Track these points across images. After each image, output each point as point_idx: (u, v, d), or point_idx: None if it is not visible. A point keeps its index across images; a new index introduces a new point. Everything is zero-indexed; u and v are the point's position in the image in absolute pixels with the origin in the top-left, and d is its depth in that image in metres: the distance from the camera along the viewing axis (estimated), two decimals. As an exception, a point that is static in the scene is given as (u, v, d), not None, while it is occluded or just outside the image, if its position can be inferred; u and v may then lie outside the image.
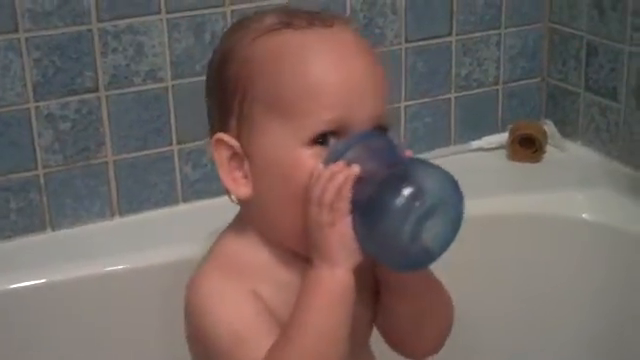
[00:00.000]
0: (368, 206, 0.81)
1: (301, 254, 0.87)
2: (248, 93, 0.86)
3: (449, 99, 1.50)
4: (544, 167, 1.46)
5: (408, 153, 0.86)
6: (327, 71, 0.85)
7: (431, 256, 0.83)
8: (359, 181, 0.82)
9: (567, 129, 1.52)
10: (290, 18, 0.87)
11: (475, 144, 1.51)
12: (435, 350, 0.98)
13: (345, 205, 0.81)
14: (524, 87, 1.55)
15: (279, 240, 0.89)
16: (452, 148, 1.51)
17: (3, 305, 1.18)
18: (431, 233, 0.81)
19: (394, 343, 0.97)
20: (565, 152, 1.50)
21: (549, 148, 1.49)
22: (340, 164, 0.82)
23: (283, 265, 0.89)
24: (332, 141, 0.84)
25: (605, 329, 1.32)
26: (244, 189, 0.87)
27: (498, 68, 1.52)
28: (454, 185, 0.82)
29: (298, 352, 0.82)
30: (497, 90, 1.53)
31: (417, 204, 0.79)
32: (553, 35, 1.52)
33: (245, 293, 0.86)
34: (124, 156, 1.30)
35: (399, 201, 0.79)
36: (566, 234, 1.33)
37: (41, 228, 1.28)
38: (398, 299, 0.91)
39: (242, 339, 0.84)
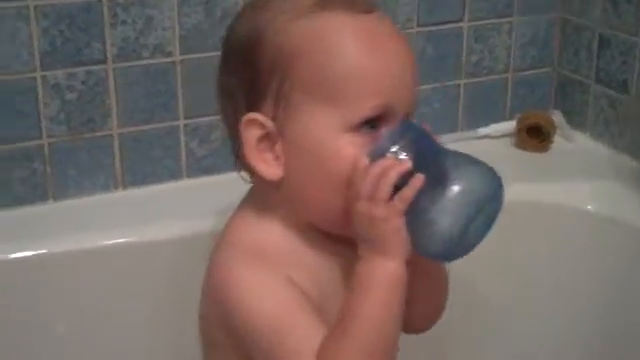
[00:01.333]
0: (420, 203, 0.81)
1: (330, 235, 0.88)
2: (289, 74, 0.85)
3: (458, 85, 1.50)
4: (551, 157, 1.46)
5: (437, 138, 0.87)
6: (374, 57, 0.84)
7: (471, 248, 0.84)
8: (408, 175, 0.82)
9: (576, 120, 1.51)
10: (329, 1, 0.86)
11: (482, 131, 1.51)
12: (431, 325, 1.01)
13: (402, 204, 0.81)
14: (534, 76, 1.55)
15: (311, 222, 0.89)
16: (459, 134, 1.50)
17: (4, 274, 1.18)
18: (476, 228, 0.82)
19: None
20: (573, 143, 1.49)
21: (557, 138, 1.48)
22: (391, 159, 0.82)
23: (310, 247, 0.89)
24: (374, 129, 0.84)
25: (606, 320, 1.32)
26: (275, 170, 0.87)
27: (509, 56, 1.51)
28: (499, 181, 0.83)
29: (356, 344, 0.82)
30: (507, 78, 1.53)
31: (469, 203, 0.81)
32: (565, 25, 1.52)
33: (284, 282, 0.86)
34: (130, 129, 1.29)
35: (452, 201, 0.81)
36: (570, 225, 1.33)
37: (44, 198, 1.28)
38: (418, 279, 0.91)
39: (290, 331, 0.84)
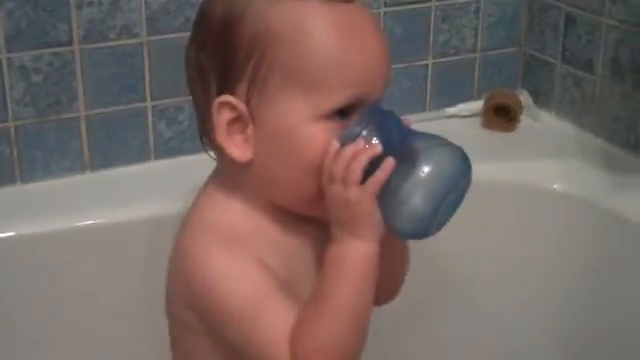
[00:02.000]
0: (392, 185, 0.83)
1: (299, 216, 0.89)
2: (266, 58, 0.84)
3: (426, 65, 1.50)
4: (518, 136, 1.47)
5: (407, 121, 0.88)
6: (351, 48, 0.85)
7: (441, 226, 0.86)
8: (379, 158, 0.83)
9: (542, 99, 1.52)
10: None
11: (450, 111, 1.51)
12: (394, 296, 1.03)
13: (374, 186, 0.82)
14: (501, 56, 1.55)
15: (281, 204, 0.89)
16: (427, 114, 1.51)
17: (-29, 257, 1.17)
18: (446, 207, 0.84)
19: None
20: (539, 122, 1.50)
21: (523, 118, 1.49)
22: (361, 143, 0.83)
23: (279, 227, 0.90)
24: (345, 117, 0.85)
25: (574, 298, 1.33)
26: (245, 152, 0.87)
27: (476, 36, 1.52)
28: (467, 161, 0.85)
29: (330, 324, 0.83)
30: (474, 58, 1.53)
31: (440, 184, 0.83)
32: (532, 4, 1.52)
33: (254, 264, 0.86)
34: (97, 111, 1.29)
35: (423, 182, 0.82)
36: (537, 204, 1.34)
37: (11, 181, 1.27)
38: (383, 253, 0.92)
39: (262, 314, 0.84)
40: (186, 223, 0.92)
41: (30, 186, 1.28)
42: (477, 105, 1.51)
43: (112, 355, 1.24)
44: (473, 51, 1.53)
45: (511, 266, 1.36)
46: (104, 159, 1.31)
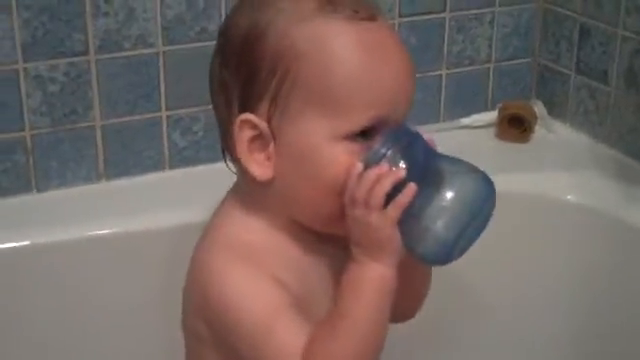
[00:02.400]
0: (415, 209, 0.82)
1: (318, 234, 0.89)
2: (289, 76, 0.84)
3: (440, 76, 1.50)
4: (532, 147, 1.46)
5: (431, 142, 0.87)
6: (375, 68, 0.84)
7: (464, 252, 0.86)
8: (403, 183, 0.82)
9: (556, 110, 1.52)
10: (333, 5, 0.85)
11: (464, 122, 1.51)
12: (413, 315, 1.02)
13: (396, 212, 0.82)
14: (515, 66, 1.55)
15: (301, 221, 0.89)
16: (441, 125, 1.51)
17: (-14, 266, 1.18)
18: (469, 232, 0.84)
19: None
20: (553, 133, 1.50)
21: (538, 129, 1.49)
22: (385, 166, 0.82)
23: (298, 246, 0.90)
24: (368, 138, 0.84)
25: (587, 309, 1.33)
26: (266, 171, 0.86)
27: (490, 46, 1.52)
28: (492, 186, 0.84)
29: (344, 345, 0.83)
30: (488, 68, 1.53)
31: (463, 211, 0.82)
32: (547, 15, 1.52)
33: (269, 281, 0.86)
34: (112, 121, 1.29)
35: (447, 208, 0.82)
36: (551, 215, 1.33)
37: (27, 190, 1.28)
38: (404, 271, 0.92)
39: (275, 331, 0.84)
40: (205, 238, 0.92)
41: (46, 195, 1.28)
42: (491, 116, 1.50)
43: (126, 364, 1.24)
44: (487, 62, 1.53)
45: (525, 277, 1.36)
46: (119, 168, 1.32)
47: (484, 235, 1.31)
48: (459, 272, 1.31)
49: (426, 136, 0.87)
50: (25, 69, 1.22)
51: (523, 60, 1.55)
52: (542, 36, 1.54)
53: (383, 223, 0.82)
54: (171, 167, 1.35)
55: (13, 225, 1.21)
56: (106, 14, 1.25)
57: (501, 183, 1.33)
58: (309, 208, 0.87)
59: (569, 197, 1.33)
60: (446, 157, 0.86)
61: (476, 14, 1.49)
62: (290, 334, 0.84)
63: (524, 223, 1.34)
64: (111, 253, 1.22)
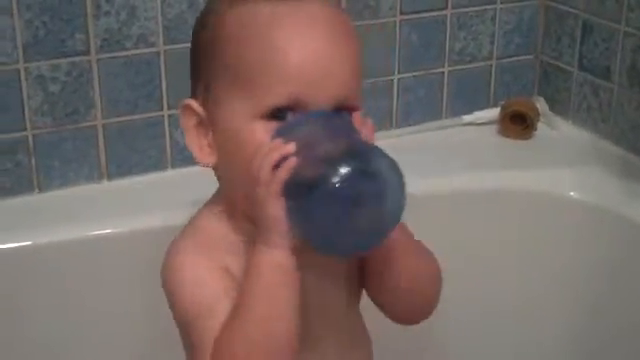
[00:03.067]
0: (300, 188, 0.79)
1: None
2: (215, 62, 0.86)
3: (442, 73, 1.50)
4: (534, 144, 1.46)
5: (369, 136, 0.84)
6: (289, 45, 0.83)
7: (364, 242, 0.81)
8: (301, 161, 0.79)
9: (559, 107, 1.52)
10: None
11: (466, 119, 1.51)
12: (425, 316, 0.98)
13: (276, 185, 0.80)
14: (517, 63, 1.55)
15: (239, 210, 0.88)
16: (443, 122, 1.51)
17: (-12, 265, 1.18)
18: (365, 219, 0.79)
19: (389, 314, 0.97)
20: (556, 130, 1.49)
21: (540, 125, 1.49)
22: (278, 141, 0.81)
23: (245, 233, 0.88)
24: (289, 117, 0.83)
25: (590, 306, 1.32)
26: (208, 157, 0.88)
27: (492, 43, 1.52)
28: (394, 170, 0.79)
29: (243, 332, 0.81)
30: (490, 65, 1.53)
31: (345, 197, 0.77)
32: (549, 12, 1.52)
33: (215, 269, 0.86)
34: (114, 120, 1.29)
35: (327, 193, 0.77)
36: (554, 212, 1.33)
37: (29, 190, 1.28)
38: (387, 275, 0.91)
39: (204, 316, 0.84)
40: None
41: (48, 195, 1.28)
42: (493, 113, 1.50)
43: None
44: (489, 59, 1.52)
45: (527, 274, 1.35)
46: (121, 168, 1.32)
47: (487, 232, 1.33)
48: (461, 269, 1.31)
49: (367, 126, 0.84)
50: (26, 69, 1.22)
51: (525, 57, 1.55)
52: (544, 33, 1.53)
53: (266, 196, 0.80)
54: (173, 166, 1.35)
55: (16, 225, 1.21)
56: (107, 13, 1.25)
57: (504, 180, 1.35)
58: (239, 193, 0.86)
59: (572, 194, 1.33)
60: (358, 144, 0.81)
61: (478, 11, 1.49)
62: (216, 323, 0.83)
63: (527, 220, 1.34)
64: (113, 253, 1.22)
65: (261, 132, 0.83)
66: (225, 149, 0.86)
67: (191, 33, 0.92)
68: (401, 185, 0.80)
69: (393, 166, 0.79)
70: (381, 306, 0.96)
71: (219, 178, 0.91)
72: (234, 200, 0.88)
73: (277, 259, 0.82)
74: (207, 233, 0.90)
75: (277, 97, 0.83)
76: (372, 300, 0.97)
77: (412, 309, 0.96)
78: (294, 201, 0.80)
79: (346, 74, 0.85)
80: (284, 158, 0.80)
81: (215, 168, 0.89)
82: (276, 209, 0.80)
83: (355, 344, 0.98)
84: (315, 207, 0.78)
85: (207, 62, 0.87)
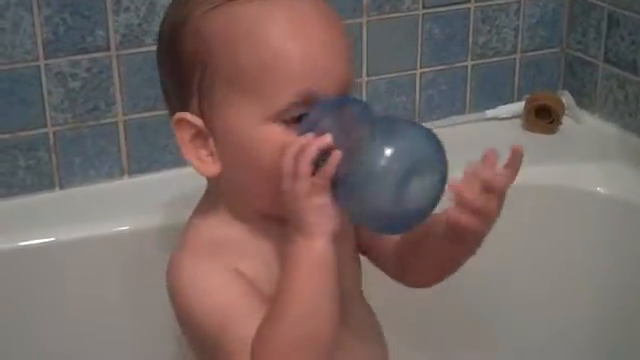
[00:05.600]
0: (345, 174, 0.79)
1: (278, 221, 0.86)
2: (207, 69, 0.83)
3: (465, 67, 1.48)
4: (560, 138, 1.45)
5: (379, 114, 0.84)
6: (287, 41, 0.82)
7: (413, 218, 0.81)
8: (333, 149, 0.79)
9: (584, 101, 1.50)
10: None
11: (490, 113, 1.50)
12: (432, 283, 0.98)
13: (323, 180, 0.79)
14: (542, 57, 1.53)
15: (255, 210, 0.88)
16: (467, 117, 1.50)
17: (11, 263, 1.18)
18: (414, 194, 0.79)
19: (396, 275, 0.98)
20: (582, 124, 1.48)
21: (565, 119, 1.47)
22: (310, 135, 0.80)
23: (258, 235, 0.89)
24: (302, 114, 0.82)
25: (616, 301, 1.31)
26: (212, 167, 0.86)
27: (516, 37, 1.50)
28: (432, 141, 0.80)
29: (287, 329, 0.81)
30: (515, 59, 1.51)
31: (396, 170, 0.78)
32: (574, 4, 1.50)
33: (227, 274, 0.85)
34: (134, 116, 1.29)
35: (375, 166, 0.78)
36: (580, 207, 1.32)
37: (50, 187, 1.27)
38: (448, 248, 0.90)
39: (229, 322, 0.83)
40: (178, 243, 0.92)
41: (69, 192, 1.28)
42: (518, 107, 1.49)
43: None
44: (514, 52, 1.51)
45: (553, 269, 1.34)
46: (142, 164, 1.31)
47: (512, 227, 1.31)
48: (485, 265, 1.30)
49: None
50: (47, 66, 1.22)
51: (550, 50, 1.53)
52: (569, 26, 1.52)
53: (310, 192, 0.80)
54: (194, 163, 1.34)
55: (37, 222, 1.21)
56: (127, 9, 1.24)
57: (529, 175, 1.33)
58: (260, 193, 0.86)
59: (598, 189, 1.31)
60: (384, 118, 0.83)
61: (501, 4, 1.47)
62: (244, 325, 0.82)
63: (552, 215, 1.33)
64: (137, 249, 1.21)
65: (277, 133, 0.82)
66: (233, 155, 0.85)
67: (158, 43, 0.89)
68: (440, 151, 0.80)
69: (429, 134, 0.80)
70: (390, 271, 0.97)
71: (220, 184, 0.89)
72: (245, 200, 0.88)
73: (320, 249, 0.81)
74: (211, 242, 0.89)
75: (289, 95, 0.82)
76: (379, 267, 0.98)
77: (432, 278, 0.96)
78: (343, 188, 0.80)
79: (347, 61, 0.85)
80: (324, 152, 0.79)
81: (219, 176, 0.87)
82: (323, 199, 0.80)
83: (370, 325, 0.98)
84: (370, 191, 0.78)
85: (197, 72, 0.84)
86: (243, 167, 0.85)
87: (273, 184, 0.82)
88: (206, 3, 0.84)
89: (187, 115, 0.85)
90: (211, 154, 0.86)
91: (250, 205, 0.88)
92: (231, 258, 0.87)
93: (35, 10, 1.19)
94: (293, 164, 0.80)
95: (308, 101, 0.82)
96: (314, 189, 0.80)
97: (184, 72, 0.85)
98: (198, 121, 0.85)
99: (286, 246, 0.83)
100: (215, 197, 0.91)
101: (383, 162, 0.78)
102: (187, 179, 1.30)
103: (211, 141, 0.85)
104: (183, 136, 0.86)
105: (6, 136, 1.23)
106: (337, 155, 0.79)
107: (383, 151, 0.78)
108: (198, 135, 0.86)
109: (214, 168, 0.86)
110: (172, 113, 0.88)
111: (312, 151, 0.79)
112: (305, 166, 0.80)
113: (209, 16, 0.83)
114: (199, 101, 0.85)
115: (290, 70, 0.81)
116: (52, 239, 1.19)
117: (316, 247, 0.81)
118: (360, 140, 0.80)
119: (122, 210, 1.24)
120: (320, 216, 0.81)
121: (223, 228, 0.89)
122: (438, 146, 0.81)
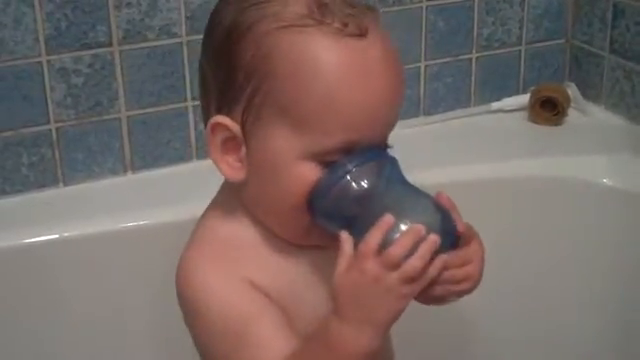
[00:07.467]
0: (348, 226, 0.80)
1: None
2: (262, 87, 0.81)
3: (470, 59, 1.48)
4: (565, 130, 1.44)
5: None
6: (354, 93, 0.80)
7: None
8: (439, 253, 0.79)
9: (590, 92, 1.49)
10: (322, 14, 0.80)
11: (496, 105, 1.49)
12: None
13: (418, 287, 0.78)
14: (547, 48, 1.52)
15: (270, 230, 0.87)
16: (472, 109, 1.49)
17: (15, 260, 1.18)
18: None
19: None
20: (588, 116, 1.47)
21: (571, 111, 1.46)
22: (419, 227, 0.78)
23: (275, 245, 0.87)
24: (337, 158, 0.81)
25: (621, 293, 1.31)
26: (238, 173, 0.85)
27: (521, 28, 1.49)
28: (440, 215, 0.80)
29: None
30: (520, 51, 1.51)
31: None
32: (578, -5, 1.50)
33: (239, 283, 0.84)
34: (137, 112, 1.29)
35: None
36: (586, 199, 1.31)
37: (53, 183, 1.27)
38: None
39: (247, 340, 0.82)
40: (189, 240, 0.91)
41: (72, 188, 1.28)
42: (523, 99, 1.48)
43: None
44: (518, 44, 1.50)
45: (559, 260, 1.34)
46: (145, 160, 1.31)
47: (519, 218, 1.31)
48: (492, 256, 1.30)
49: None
50: (49, 62, 1.22)
51: (555, 42, 1.52)
52: (574, 17, 1.51)
53: (399, 291, 0.77)
54: (198, 157, 1.34)
55: (41, 219, 1.21)
56: (129, 4, 1.24)
57: (534, 167, 1.34)
58: (274, 220, 0.86)
59: (605, 180, 1.31)
60: (410, 188, 0.83)
61: (506, -5, 1.47)
62: (261, 346, 0.81)
63: (559, 207, 1.32)
64: (140, 245, 1.21)
65: (310, 169, 0.81)
66: (263, 174, 0.84)
67: (210, 34, 0.86)
68: (448, 221, 0.82)
69: (438, 208, 0.81)
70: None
71: (243, 190, 0.87)
72: (262, 220, 0.87)
73: (369, 347, 0.79)
74: (226, 246, 0.88)
75: (336, 141, 0.80)
76: None
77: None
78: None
79: (399, 107, 0.84)
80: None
81: (242, 183, 0.85)
82: (403, 303, 0.78)
83: None
84: None
85: (251, 85, 0.82)
86: (268, 188, 0.84)
87: (289, 215, 0.83)
88: (280, 15, 0.81)
89: (228, 120, 0.83)
90: (240, 161, 0.84)
91: (265, 223, 0.87)
92: (243, 266, 0.86)
93: (37, 6, 1.19)
94: (400, 256, 0.77)
95: (351, 148, 0.81)
96: (406, 289, 0.78)
97: (236, 79, 0.82)
98: (236, 128, 0.83)
99: (329, 317, 0.80)
100: (236, 199, 0.89)
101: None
102: (191, 174, 1.32)
103: (243, 149, 0.84)
104: (216, 138, 0.84)
105: (9, 133, 1.23)
106: (441, 259, 0.78)
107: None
108: (231, 140, 0.84)
109: (239, 174, 0.85)
110: (206, 106, 0.87)
111: (427, 254, 0.77)
112: (416, 269, 0.77)
113: (278, 35, 0.81)
114: (243, 111, 0.83)
115: (347, 119, 0.80)
116: (56, 236, 1.19)
117: (374, 344, 0.79)
118: (391, 204, 0.79)
119: (126, 206, 1.24)
120: (389, 315, 0.78)
121: (240, 231, 0.88)
122: (444, 217, 0.81)
